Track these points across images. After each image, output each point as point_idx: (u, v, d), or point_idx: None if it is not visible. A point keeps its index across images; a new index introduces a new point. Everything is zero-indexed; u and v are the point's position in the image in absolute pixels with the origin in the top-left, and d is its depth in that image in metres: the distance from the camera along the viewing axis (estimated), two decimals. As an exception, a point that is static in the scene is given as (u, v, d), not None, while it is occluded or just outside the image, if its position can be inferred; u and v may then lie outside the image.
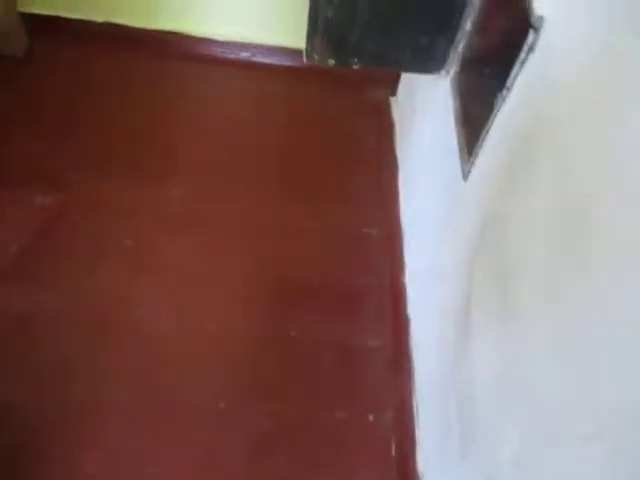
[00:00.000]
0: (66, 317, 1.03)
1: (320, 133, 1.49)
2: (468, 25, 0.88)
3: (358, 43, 0.96)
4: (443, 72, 0.97)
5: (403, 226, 1.22)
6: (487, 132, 0.71)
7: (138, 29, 1.59)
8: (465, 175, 0.78)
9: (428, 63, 0.98)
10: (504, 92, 0.65)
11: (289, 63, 1.60)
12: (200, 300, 1.09)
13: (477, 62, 0.85)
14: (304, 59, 0.97)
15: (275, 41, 1.60)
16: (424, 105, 1.18)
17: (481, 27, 0.84)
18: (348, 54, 0.97)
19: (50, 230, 1.17)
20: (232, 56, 1.63)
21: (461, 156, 0.80)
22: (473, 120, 0.77)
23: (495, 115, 0.68)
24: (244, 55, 1.63)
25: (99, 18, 1.59)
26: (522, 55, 0.60)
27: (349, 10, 0.91)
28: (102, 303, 1.06)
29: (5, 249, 1.12)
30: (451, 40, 0.93)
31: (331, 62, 0.98)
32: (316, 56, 0.97)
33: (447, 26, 0.91)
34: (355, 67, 1.00)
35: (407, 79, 1.41)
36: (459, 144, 0.82)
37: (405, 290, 1.12)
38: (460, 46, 0.92)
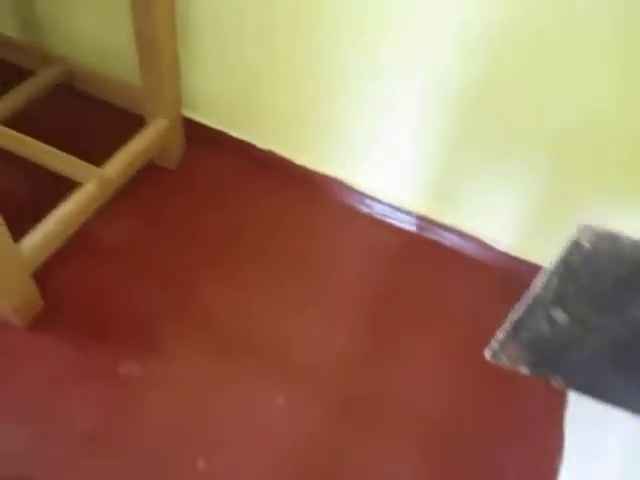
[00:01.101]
0: None
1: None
2: None
3: (574, 367, 0.66)
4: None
5: None
6: None
7: (299, 166, 1.43)
8: None
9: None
10: None
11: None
12: None
13: None
14: (486, 355, 0.70)
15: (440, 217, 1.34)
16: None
17: None
18: (552, 371, 0.68)
19: (127, 419, 0.99)
20: (391, 220, 1.39)
21: None
22: None
23: None
24: (406, 223, 1.39)
25: (263, 144, 1.44)
26: None
27: (577, 335, 0.61)
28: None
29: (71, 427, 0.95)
30: None
31: (523, 370, 0.69)
32: (504, 358, 0.69)
33: None
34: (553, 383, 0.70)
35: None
36: None
37: None
38: None
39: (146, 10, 1.07)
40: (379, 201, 1.39)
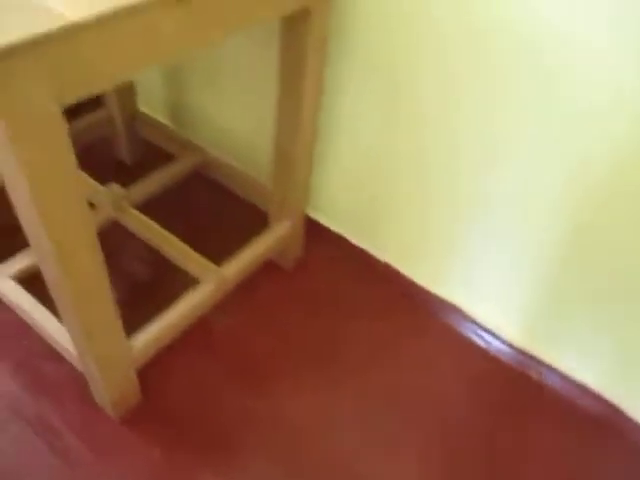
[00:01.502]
0: None
1: None
2: None
3: None
4: None
5: None
6: None
7: (414, 283, 1.35)
8: None
9: None
10: None
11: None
12: None
13: None
14: None
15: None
16: None
17: None
18: None
19: None
20: (501, 355, 1.25)
21: None
22: None
23: None
24: (516, 360, 1.25)
25: (381, 255, 1.38)
26: None
27: None
28: None
29: None
30: None
31: None
32: None
33: None
34: None
35: None
36: None
37: None
38: None
39: (290, 118, 1.08)
40: (491, 332, 1.27)
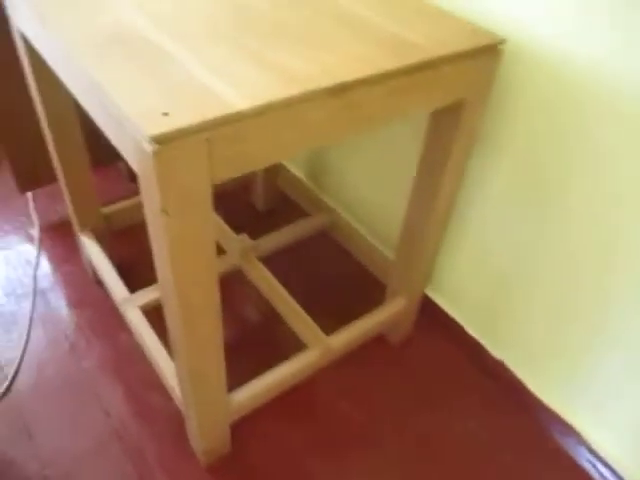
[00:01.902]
0: None
1: None
2: None
3: None
4: None
5: None
6: None
7: (525, 388, 1.24)
8: None
9: None
10: None
11: None
12: None
13: None
14: None
15: None
16: None
17: None
18: None
19: None
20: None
21: None
22: None
23: None
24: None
25: (496, 352, 1.30)
26: None
27: None
28: None
29: None
30: None
31: None
32: None
33: None
34: None
35: None
36: None
37: None
38: None
39: (425, 201, 1.06)
40: (610, 467, 1.12)
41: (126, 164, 1.72)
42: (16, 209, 1.66)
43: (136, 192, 1.66)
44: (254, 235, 1.42)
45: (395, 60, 0.76)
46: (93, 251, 1.31)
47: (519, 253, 1.14)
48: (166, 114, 0.60)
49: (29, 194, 1.69)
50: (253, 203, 1.70)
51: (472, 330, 1.35)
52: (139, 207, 1.44)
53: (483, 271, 1.25)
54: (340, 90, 0.70)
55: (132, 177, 1.75)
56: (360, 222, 1.55)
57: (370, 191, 1.47)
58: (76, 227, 1.34)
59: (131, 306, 1.18)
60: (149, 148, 0.58)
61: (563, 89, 0.92)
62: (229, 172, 0.67)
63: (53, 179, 1.57)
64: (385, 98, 0.77)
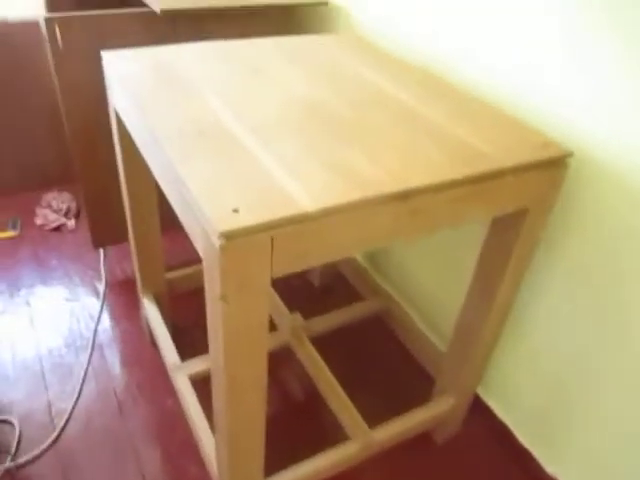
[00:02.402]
0: None
1: None
2: None
3: None
4: None
5: None
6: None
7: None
8: None
9: None
10: None
11: None
12: None
13: None
14: None
15: None
16: None
17: None
18: None
19: None
20: None
21: None
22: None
23: None
24: None
25: (551, 467, 1.22)
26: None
27: None
28: None
29: None
30: None
31: None
32: None
33: None
34: None
35: None
36: None
37: None
38: None
39: (481, 301, 1.05)
40: None
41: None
42: (87, 262, 1.76)
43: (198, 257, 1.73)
44: (307, 311, 1.43)
45: (462, 168, 0.77)
46: (152, 314, 1.36)
47: (578, 360, 1.09)
48: (236, 211, 0.64)
49: (101, 250, 1.79)
50: (310, 279, 1.72)
51: (524, 438, 1.28)
52: (200, 274, 1.50)
53: (539, 376, 1.20)
54: (404, 196, 0.73)
55: (197, 242, 1.82)
56: (414, 309, 1.53)
57: (427, 280, 1.46)
58: (139, 289, 1.41)
59: (181, 373, 1.21)
60: (217, 243, 0.62)
61: (626, 198, 0.91)
62: (289, 267, 0.69)
63: (125, 239, 1.66)
64: (449, 205, 0.78)
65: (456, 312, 1.36)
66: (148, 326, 1.43)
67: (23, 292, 1.62)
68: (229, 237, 0.61)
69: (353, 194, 0.69)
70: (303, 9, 1.66)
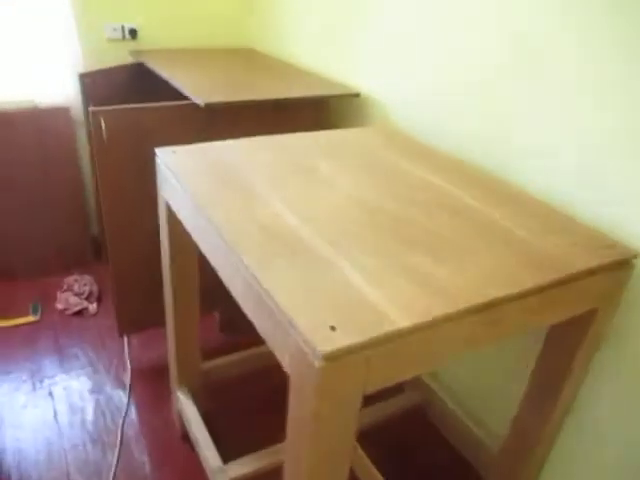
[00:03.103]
0: None
1: None
2: None
3: None
4: None
5: None
6: None
7: None
8: None
9: None
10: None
11: None
12: None
13: None
14: None
15: None
16: None
17: None
18: None
19: None
20: None
21: None
22: None
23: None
24: None
25: None
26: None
27: None
28: None
29: None
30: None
31: None
32: None
33: None
34: None
35: None
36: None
37: None
38: None
39: (542, 399, 1.01)
40: None
41: (222, 314, 1.77)
42: (110, 350, 1.71)
43: (228, 342, 1.69)
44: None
45: (539, 275, 0.77)
46: (187, 408, 1.31)
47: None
48: (333, 329, 0.62)
49: (124, 337, 1.74)
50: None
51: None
52: (236, 364, 1.46)
53: (601, 468, 1.14)
54: (486, 307, 0.72)
55: (223, 327, 1.79)
56: (456, 403, 1.48)
57: (471, 374, 1.43)
58: (174, 381, 1.36)
59: (223, 477, 1.14)
60: (317, 363, 0.59)
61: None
62: (382, 383, 0.67)
63: (151, 325, 1.63)
64: (524, 313, 0.77)
65: (504, 407, 1.32)
66: (180, 420, 1.37)
67: (46, 383, 1.56)
68: (329, 358, 0.59)
69: (441, 308, 0.68)
70: (335, 100, 1.72)
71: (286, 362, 0.68)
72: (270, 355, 1.55)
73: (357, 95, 1.58)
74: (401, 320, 0.65)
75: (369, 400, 1.41)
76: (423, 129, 1.40)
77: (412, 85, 1.41)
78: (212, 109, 1.40)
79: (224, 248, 0.80)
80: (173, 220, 1.11)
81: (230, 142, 1.17)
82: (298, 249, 0.78)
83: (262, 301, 0.70)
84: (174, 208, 1.04)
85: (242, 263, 0.74)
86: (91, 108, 1.31)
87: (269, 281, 0.70)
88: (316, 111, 1.60)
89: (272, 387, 1.56)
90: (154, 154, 1.10)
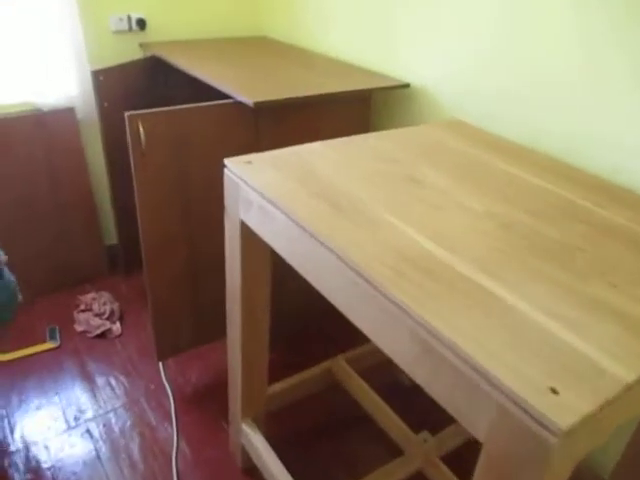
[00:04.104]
0: None
1: None
2: None
3: None
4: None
5: None
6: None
7: None
8: None
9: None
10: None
11: None
12: None
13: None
14: None
15: None
16: None
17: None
18: None
19: None
20: None
21: None
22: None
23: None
24: None
25: None
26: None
27: None
28: None
29: None
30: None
31: None
32: None
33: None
34: None
35: None
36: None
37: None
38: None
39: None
40: None
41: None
42: (144, 375, 1.56)
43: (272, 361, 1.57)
44: (413, 420, 1.28)
45: None
46: (253, 440, 1.18)
47: None
48: (555, 392, 0.51)
49: (160, 362, 1.60)
50: (398, 379, 1.58)
51: None
52: (297, 387, 1.34)
53: None
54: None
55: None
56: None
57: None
58: (239, 412, 1.23)
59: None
60: (552, 439, 0.48)
61: None
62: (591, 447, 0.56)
63: (190, 348, 1.49)
64: None
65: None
66: (243, 453, 1.25)
67: (82, 420, 1.41)
68: (570, 433, 0.48)
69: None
70: (379, 92, 1.58)
71: (482, 431, 0.56)
72: (328, 374, 1.44)
73: (407, 86, 1.45)
74: (624, 373, 0.54)
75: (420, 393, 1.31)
76: (498, 124, 1.28)
77: (476, 75, 1.29)
78: (260, 108, 1.26)
79: (364, 287, 0.67)
80: (250, 242, 0.97)
81: (306, 147, 1.03)
82: (456, 283, 0.66)
83: (440, 355, 0.58)
84: (259, 232, 0.90)
85: (403, 308, 0.62)
86: (128, 113, 1.15)
87: (448, 329, 0.58)
88: (362, 105, 1.47)
89: (329, 410, 1.44)
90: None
